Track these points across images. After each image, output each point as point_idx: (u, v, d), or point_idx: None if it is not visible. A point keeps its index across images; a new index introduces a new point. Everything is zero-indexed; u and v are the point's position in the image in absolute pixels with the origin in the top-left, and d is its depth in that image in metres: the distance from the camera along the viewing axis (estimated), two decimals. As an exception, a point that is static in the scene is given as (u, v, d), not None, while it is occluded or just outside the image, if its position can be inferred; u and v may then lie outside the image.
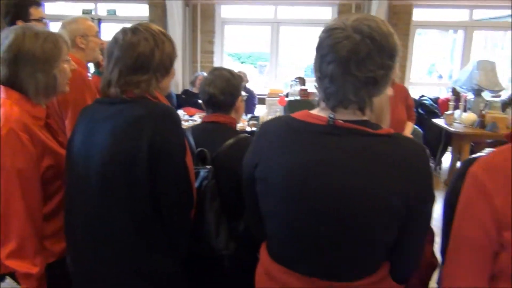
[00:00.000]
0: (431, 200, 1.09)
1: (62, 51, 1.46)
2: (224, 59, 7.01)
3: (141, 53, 1.31)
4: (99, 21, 6.47)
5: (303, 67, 8.60)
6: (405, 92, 3.46)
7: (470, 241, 0.96)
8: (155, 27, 1.38)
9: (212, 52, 6.66)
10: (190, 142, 1.66)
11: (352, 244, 1.06)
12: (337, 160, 1.03)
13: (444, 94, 6.07)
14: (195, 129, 1.77)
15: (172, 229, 1.34)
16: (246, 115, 5.37)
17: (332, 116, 1.04)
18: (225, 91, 1.72)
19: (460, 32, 6.74)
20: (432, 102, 6.04)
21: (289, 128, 1.12)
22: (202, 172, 1.55)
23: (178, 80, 6.50)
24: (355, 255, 1.08)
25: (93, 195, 1.30)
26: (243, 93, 1.87)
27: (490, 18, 7.26)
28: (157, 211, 1.30)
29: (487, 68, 5.08)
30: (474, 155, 1.20)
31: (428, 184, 1.07)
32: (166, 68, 1.40)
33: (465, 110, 5.20)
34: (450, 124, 5.00)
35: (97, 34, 2.40)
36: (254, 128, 4.90)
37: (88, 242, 1.33)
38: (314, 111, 1.12)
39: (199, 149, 1.61)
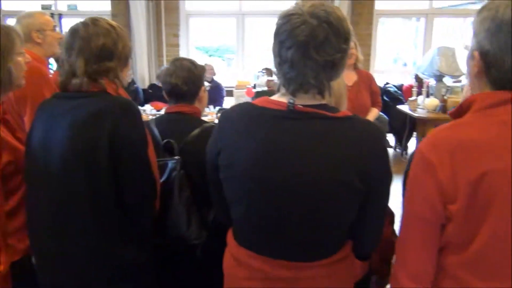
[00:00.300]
0: (389, 180, 1.13)
1: (15, 44, 1.42)
2: (191, 53, 6.94)
3: (106, 42, 1.33)
4: (60, 16, 6.29)
5: (271, 58, 8.59)
6: (370, 78, 3.51)
7: (418, 215, 1.00)
8: (110, 20, 1.40)
9: (177, 46, 6.58)
10: (155, 134, 1.65)
11: (316, 225, 1.09)
12: (298, 143, 1.06)
13: (409, 81, 6.21)
14: (159, 120, 1.76)
15: (135, 221, 1.34)
16: (214, 107, 5.36)
17: (291, 101, 1.06)
18: (188, 81, 1.72)
19: (422, 20, 6.90)
20: (396, 89, 6.18)
21: (250, 114, 1.13)
22: (170, 163, 1.55)
23: (144, 74, 6.41)
24: (319, 236, 1.11)
25: (54, 189, 1.28)
26: (206, 83, 1.86)
27: (450, 6, 7.46)
28: (119, 203, 1.29)
29: (448, 54, 5.22)
30: None
31: (386, 163, 1.12)
32: (126, 59, 1.42)
33: (427, 96, 5.34)
34: (413, 110, 5.13)
35: (55, 28, 2.34)
36: (223, 121, 4.89)
37: (51, 237, 1.32)
38: (274, 97, 1.13)
39: (165, 140, 1.61)
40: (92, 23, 1.33)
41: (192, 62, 1.78)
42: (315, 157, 1.04)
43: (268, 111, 1.10)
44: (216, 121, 4.85)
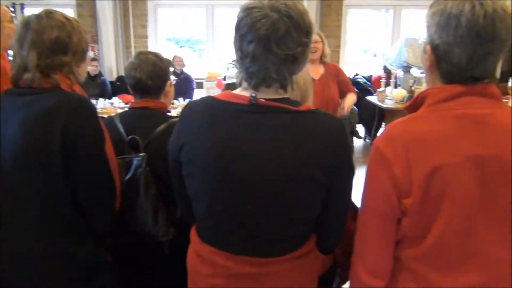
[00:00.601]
0: (351, 173, 1.14)
1: None
2: (160, 44, 6.84)
3: (60, 35, 1.28)
4: (22, 6, 6.07)
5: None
6: (337, 70, 3.53)
7: (374, 209, 1.01)
8: (66, 14, 1.35)
9: (146, 37, 6.48)
10: (120, 130, 1.62)
11: (279, 221, 1.09)
12: (260, 138, 1.05)
13: (379, 72, 6.29)
14: (123, 115, 1.71)
15: (94, 220, 1.32)
16: (184, 100, 5.30)
17: (253, 95, 1.06)
18: (153, 75, 1.68)
19: (390, 11, 7.00)
20: (365, 80, 6.28)
21: (212, 109, 1.12)
22: (136, 161, 1.52)
23: (112, 66, 6.28)
24: (283, 231, 1.11)
25: (7, 189, 1.24)
26: (172, 77, 1.83)
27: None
28: (75, 202, 1.26)
29: (414, 45, 5.31)
30: None
31: (348, 157, 1.12)
32: (83, 53, 1.36)
33: (395, 87, 5.44)
34: (382, 101, 5.22)
35: (13, 19, 2.25)
36: (193, 113, 4.83)
37: (7, 237, 1.27)
38: (237, 91, 1.12)
39: (130, 136, 1.57)
40: (46, 16, 1.28)
41: (157, 56, 1.74)
42: (278, 151, 1.04)
43: (231, 105, 1.09)
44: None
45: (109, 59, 6.26)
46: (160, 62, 1.71)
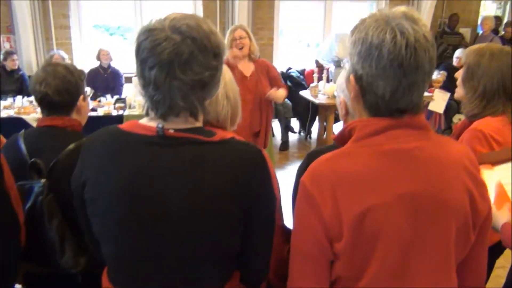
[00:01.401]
0: (272, 204, 1.08)
1: None
2: (84, 34, 6.40)
3: None
4: None
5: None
6: (266, 65, 3.52)
7: (305, 253, 0.95)
8: None
9: (68, 27, 6.03)
10: (22, 152, 1.46)
11: (195, 261, 1.01)
12: (168, 172, 0.96)
13: (312, 65, 6.34)
14: (28, 134, 1.54)
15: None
16: (112, 96, 5.02)
17: (160, 126, 0.96)
18: (61, 90, 1.53)
19: (322, 4, 7.06)
20: (299, 74, 6.30)
21: (116, 141, 1.02)
22: (36, 187, 1.38)
23: (31, 59, 5.81)
24: (200, 272, 1.02)
25: None
26: (87, 89, 1.67)
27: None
28: None
29: (345, 40, 5.39)
30: (315, 149, 1.23)
31: (267, 187, 1.05)
32: None
33: (328, 81, 5.50)
34: (315, 96, 5.26)
35: None
36: (121, 112, 4.60)
37: None
38: (143, 121, 1.03)
39: (32, 159, 1.41)
40: None
41: (67, 68, 1.57)
42: (188, 186, 0.95)
43: (136, 137, 0.99)
44: (114, 112, 4.58)
45: (28, 52, 5.76)
46: (70, 76, 1.56)
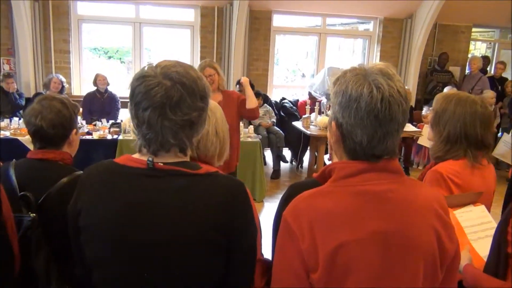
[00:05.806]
0: (252, 235, 1.15)
1: None
2: (83, 58, 6.54)
3: None
4: None
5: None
6: (234, 93, 3.76)
7: (284, 281, 1.02)
8: None
9: (68, 52, 6.17)
10: (12, 184, 1.49)
11: (181, 286, 1.07)
12: (157, 202, 1.04)
13: (306, 96, 6.48)
14: (19, 166, 1.57)
15: None
16: (108, 121, 5.10)
17: (150, 159, 1.06)
18: (56, 123, 1.58)
19: (316, 38, 7.27)
20: (292, 105, 6.43)
21: (110, 173, 1.11)
22: (25, 221, 1.41)
23: (30, 81, 5.91)
24: None
25: None
26: (80, 122, 1.74)
27: (342, 24, 7.98)
28: None
29: (337, 74, 5.54)
30: (297, 182, 1.31)
31: (248, 218, 1.13)
32: None
33: (320, 113, 5.62)
34: (307, 127, 5.37)
35: None
36: (115, 136, 4.67)
37: None
38: (136, 155, 1.12)
39: (22, 193, 1.46)
40: None
41: (62, 102, 1.63)
42: (175, 215, 1.03)
43: (128, 169, 1.08)
44: (109, 136, 4.65)
45: (27, 74, 5.88)
46: (65, 110, 1.62)
